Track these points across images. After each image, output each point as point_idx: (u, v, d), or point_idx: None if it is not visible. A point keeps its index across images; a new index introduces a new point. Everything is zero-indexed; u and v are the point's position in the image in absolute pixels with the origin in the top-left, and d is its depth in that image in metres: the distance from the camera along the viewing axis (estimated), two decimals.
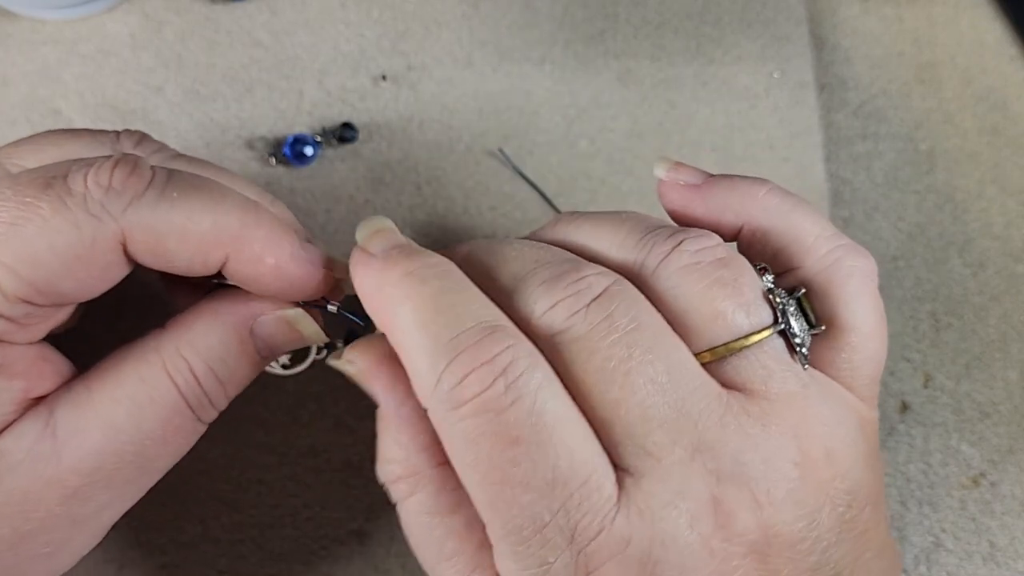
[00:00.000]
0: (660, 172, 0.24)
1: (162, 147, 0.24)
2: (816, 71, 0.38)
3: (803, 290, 0.21)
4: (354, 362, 0.20)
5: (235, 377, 0.23)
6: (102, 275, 0.20)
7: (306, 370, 0.29)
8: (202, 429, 0.23)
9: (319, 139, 0.33)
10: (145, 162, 0.20)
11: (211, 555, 0.29)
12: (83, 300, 0.21)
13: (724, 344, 0.19)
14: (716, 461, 0.18)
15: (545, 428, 0.17)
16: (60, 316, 0.21)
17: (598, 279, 0.19)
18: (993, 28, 0.40)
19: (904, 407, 0.35)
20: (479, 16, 0.36)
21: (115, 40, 0.34)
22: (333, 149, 0.34)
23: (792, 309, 0.20)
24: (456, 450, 0.18)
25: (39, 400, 0.21)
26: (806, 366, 0.20)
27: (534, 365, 0.18)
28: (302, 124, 0.34)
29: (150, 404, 0.21)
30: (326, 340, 0.24)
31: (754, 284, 0.20)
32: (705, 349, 0.19)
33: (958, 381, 0.35)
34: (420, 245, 0.21)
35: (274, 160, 0.33)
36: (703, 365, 0.19)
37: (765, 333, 0.19)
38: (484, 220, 0.34)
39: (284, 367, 0.29)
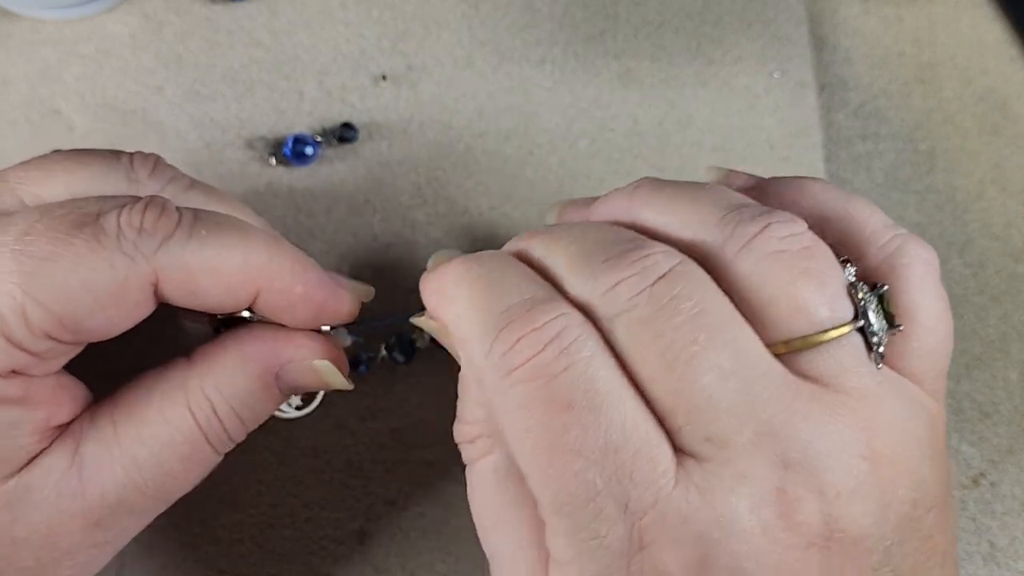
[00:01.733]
0: (712, 176, 0.24)
1: (176, 174, 0.24)
2: (816, 71, 0.38)
3: (885, 287, 0.20)
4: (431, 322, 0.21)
5: (256, 416, 0.23)
6: (129, 314, 0.21)
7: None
8: (218, 460, 0.23)
9: (319, 139, 0.33)
10: (172, 204, 0.21)
11: (211, 555, 0.29)
12: (105, 338, 0.21)
13: (801, 337, 0.18)
14: (783, 448, 0.17)
15: (597, 395, 0.17)
16: (78, 349, 0.21)
17: (665, 258, 0.18)
18: (993, 28, 0.40)
19: None
20: (479, 16, 0.36)
21: (115, 40, 0.34)
22: (333, 149, 0.34)
23: (873, 306, 0.19)
24: (509, 419, 0.18)
25: (62, 428, 0.21)
26: (880, 365, 0.19)
27: (587, 335, 0.18)
28: (302, 124, 0.34)
29: (172, 444, 0.21)
30: (351, 387, 0.24)
31: (838, 277, 0.19)
32: (781, 340, 0.18)
33: (958, 381, 0.35)
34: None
35: (274, 160, 0.33)
36: (776, 356, 0.18)
37: (844, 329, 0.18)
38: (484, 220, 0.34)
39: (297, 407, 0.29)
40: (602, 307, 0.18)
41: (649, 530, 0.17)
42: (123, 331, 0.21)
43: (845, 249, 0.21)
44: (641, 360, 0.18)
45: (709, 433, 0.17)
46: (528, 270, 0.19)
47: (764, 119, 0.37)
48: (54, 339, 0.20)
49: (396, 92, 0.35)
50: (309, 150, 0.33)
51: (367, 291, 0.24)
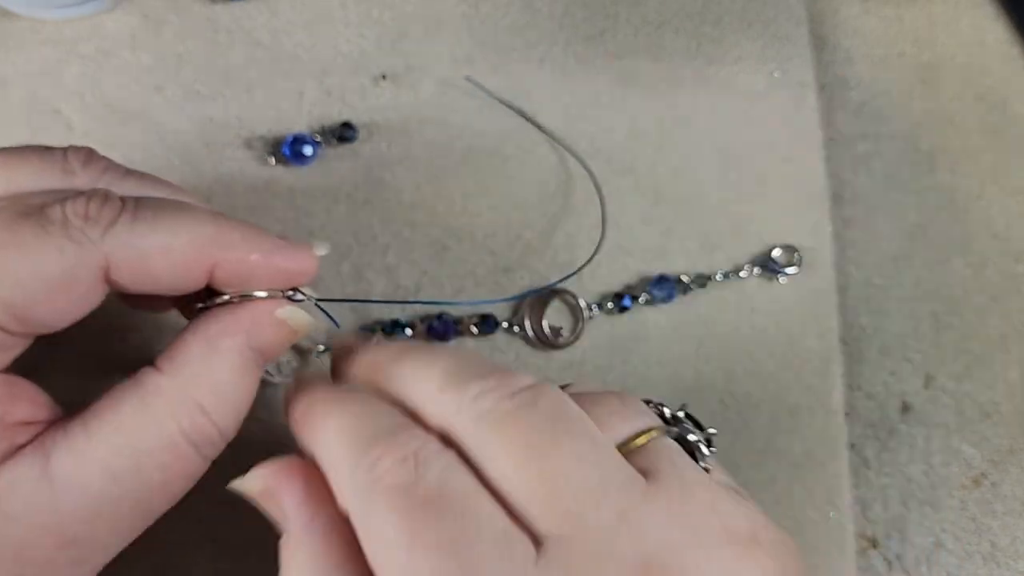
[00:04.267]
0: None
1: (109, 164, 0.24)
2: (816, 71, 0.38)
3: (685, 405, 0.24)
4: (263, 478, 0.21)
5: (243, 399, 0.23)
6: (80, 302, 0.20)
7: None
8: (206, 466, 0.22)
9: (319, 139, 0.33)
10: (113, 192, 0.21)
11: (211, 555, 0.29)
12: (55, 329, 0.21)
13: (630, 436, 0.20)
14: (642, 528, 0.18)
15: (454, 497, 0.18)
16: (27, 343, 0.21)
17: (525, 378, 0.20)
18: (994, 28, 0.40)
19: (905, 407, 0.35)
20: (479, 16, 0.36)
21: (115, 40, 0.34)
22: (333, 149, 0.34)
23: (681, 416, 0.23)
24: (370, 535, 0.18)
25: (21, 429, 0.20)
26: (704, 466, 0.21)
27: (443, 451, 0.19)
28: (302, 124, 0.34)
29: (151, 452, 0.21)
30: (318, 327, 0.24)
31: (637, 400, 0.22)
32: (617, 443, 0.20)
33: (959, 381, 0.35)
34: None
35: (273, 160, 0.33)
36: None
37: (663, 430, 0.21)
38: (484, 220, 0.34)
39: (280, 372, 0.29)
40: (469, 413, 0.19)
41: None
42: (73, 321, 0.21)
43: None
44: (503, 456, 0.19)
45: (572, 509, 0.18)
46: (386, 406, 0.21)
47: (765, 119, 0.37)
48: (3, 330, 0.20)
49: (396, 92, 0.35)
50: (308, 150, 0.33)
51: (322, 245, 0.24)
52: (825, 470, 0.33)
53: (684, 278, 0.34)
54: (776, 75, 0.37)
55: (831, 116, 0.38)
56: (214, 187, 0.33)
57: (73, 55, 0.33)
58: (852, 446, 0.34)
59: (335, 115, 0.34)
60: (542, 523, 0.18)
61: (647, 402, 0.23)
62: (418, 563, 0.17)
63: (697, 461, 0.21)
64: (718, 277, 0.34)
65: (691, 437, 0.22)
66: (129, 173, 0.24)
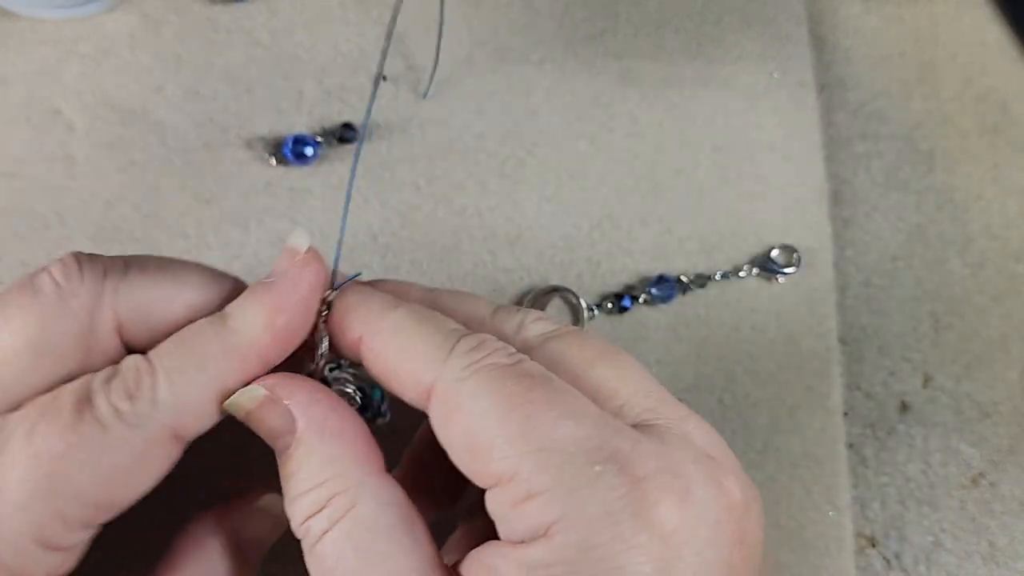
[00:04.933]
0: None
1: (106, 264, 0.22)
2: (816, 71, 0.38)
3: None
4: (267, 386, 0.20)
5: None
6: (153, 473, 0.20)
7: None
8: (179, 453, 0.21)
9: (319, 139, 0.33)
10: (145, 363, 0.20)
11: None
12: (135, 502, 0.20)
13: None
14: (694, 430, 0.21)
15: (552, 377, 0.20)
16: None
17: (535, 313, 0.23)
18: (993, 28, 0.40)
19: (904, 407, 0.35)
20: (479, 16, 0.36)
21: (114, 40, 0.34)
22: (333, 149, 0.34)
23: None
24: (475, 399, 0.19)
25: None
26: None
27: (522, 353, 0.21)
28: (302, 124, 0.34)
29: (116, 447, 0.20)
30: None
31: None
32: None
33: (958, 381, 0.35)
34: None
35: (274, 160, 0.33)
36: None
37: None
38: (484, 220, 0.34)
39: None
40: (534, 332, 0.22)
41: (638, 469, 0.18)
42: (150, 489, 0.21)
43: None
44: (578, 360, 0.21)
45: (649, 407, 0.21)
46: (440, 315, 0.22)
47: (764, 118, 0.37)
48: (91, 525, 0.20)
49: (396, 92, 0.35)
50: (309, 150, 0.33)
51: (299, 235, 0.23)
52: (824, 469, 0.33)
53: (684, 278, 0.34)
54: (776, 75, 0.37)
55: (831, 116, 0.38)
56: (214, 187, 0.33)
57: (73, 55, 0.33)
58: (851, 445, 0.34)
59: (335, 115, 0.34)
60: (625, 414, 0.20)
61: None
62: (538, 422, 0.19)
63: None
64: (717, 277, 0.34)
65: None
66: (129, 264, 0.22)
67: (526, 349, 0.21)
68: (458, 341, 0.20)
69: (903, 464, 0.34)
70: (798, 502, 0.32)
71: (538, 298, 0.33)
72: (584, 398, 0.20)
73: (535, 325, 0.22)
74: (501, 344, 0.20)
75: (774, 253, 0.35)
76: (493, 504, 0.19)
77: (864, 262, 0.36)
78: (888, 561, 0.33)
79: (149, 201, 0.32)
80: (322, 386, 0.21)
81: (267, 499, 0.24)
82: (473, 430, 0.19)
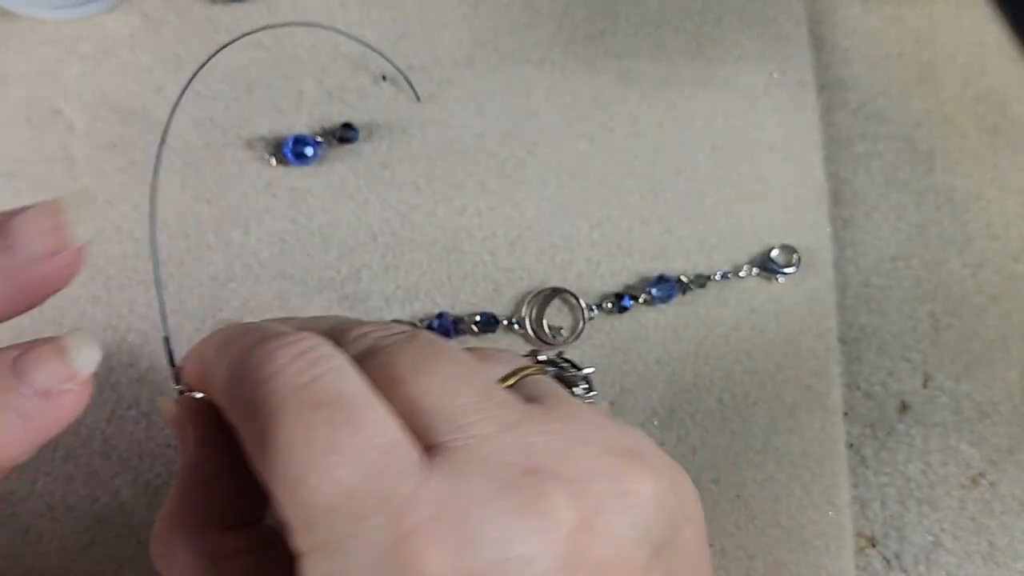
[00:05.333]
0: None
1: None
2: (816, 71, 0.38)
3: (562, 352, 0.25)
4: (171, 410, 0.22)
5: None
6: None
7: None
8: None
9: (319, 139, 0.33)
10: None
11: None
12: None
13: (514, 370, 0.22)
14: (528, 438, 0.19)
15: (346, 398, 0.18)
16: None
17: (400, 327, 0.22)
18: (993, 29, 0.40)
19: (904, 407, 0.35)
20: (479, 16, 0.36)
21: (115, 40, 0.34)
22: (333, 149, 0.34)
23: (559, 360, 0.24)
24: (260, 427, 0.18)
25: None
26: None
27: (335, 353, 0.19)
28: (302, 124, 0.34)
29: None
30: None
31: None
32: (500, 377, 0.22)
33: (957, 381, 0.35)
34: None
35: (274, 160, 0.33)
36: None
37: (542, 368, 0.22)
38: (484, 220, 0.34)
39: None
40: (360, 342, 0.21)
41: (407, 519, 0.17)
42: None
43: None
44: (395, 373, 0.19)
45: (458, 422, 0.19)
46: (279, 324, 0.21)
47: (764, 118, 0.37)
48: None
49: (396, 92, 0.35)
50: (309, 150, 0.33)
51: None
52: (823, 469, 0.33)
53: (683, 278, 0.34)
54: (776, 75, 0.37)
55: (830, 116, 0.38)
56: (215, 187, 0.33)
57: (73, 55, 0.33)
58: (850, 445, 0.34)
59: (335, 115, 0.34)
60: (434, 432, 0.18)
61: (530, 353, 0.24)
62: (309, 465, 0.17)
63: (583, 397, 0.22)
64: (717, 277, 0.34)
65: (568, 374, 0.23)
66: None
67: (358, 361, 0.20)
68: (255, 350, 0.19)
69: (903, 464, 0.34)
70: (797, 502, 0.32)
71: (537, 300, 0.33)
72: (369, 429, 0.18)
73: (364, 339, 0.21)
74: (295, 350, 0.19)
75: (774, 253, 0.35)
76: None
77: (864, 262, 0.36)
78: (888, 561, 0.33)
79: (149, 201, 0.32)
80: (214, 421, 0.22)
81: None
82: (264, 465, 0.18)
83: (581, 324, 0.33)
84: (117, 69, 0.33)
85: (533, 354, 0.24)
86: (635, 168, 0.35)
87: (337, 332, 0.21)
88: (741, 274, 0.34)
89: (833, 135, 0.38)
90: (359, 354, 0.20)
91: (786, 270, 0.34)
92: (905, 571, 0.33)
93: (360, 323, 0.21)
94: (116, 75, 0.33)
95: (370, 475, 0.17)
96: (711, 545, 0.31)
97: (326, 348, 0.19)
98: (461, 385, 0.19)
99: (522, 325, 0.33)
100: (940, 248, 0.37)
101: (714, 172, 0.36)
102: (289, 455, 0.17)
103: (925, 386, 0.35)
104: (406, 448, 0.18)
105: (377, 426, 0.18)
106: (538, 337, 0.33)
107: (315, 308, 0.32)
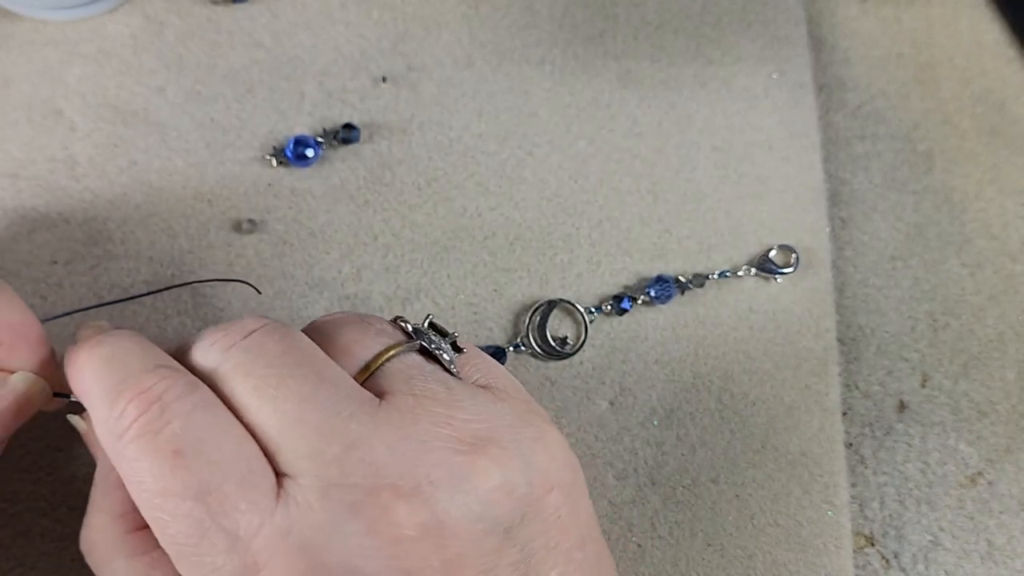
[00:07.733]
0: None
1: None
2: (815, 72, 0.38)
3: (429, 316, 0.25)
4: (81, 425, 0.23)
5: None
6: None
7: None
8: None
9: (320, 140, 0.33)
10: None
11: None
12: None
13: (368, 362, 0.22)
14: (373, 453, 0.19)
15: (199, 441, 0.19)
16: None
17: (254, 322, 0.21)
18: (992, 29, 0.40)
19: (902, 406, 0.35)
20: (479, 17, 0.36)
21: (116, 41, 0.34)
22: (334, 150, 0.34)
23: (433, 337, 0.23)
24: (127, 478, 0.19)
25: None
26: (454, 371, 0.23)
27: (191, 390, 0.20)
28: (303, 125, 0.34)
29: None
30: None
31: (380, 321, 0.23)
32: (357, 371, 0.22)
33: (956, 381, 0.35)
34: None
35: (275, 161, 0.33)
36: (362, 384, 0.21)
37: (400, 348, 0.22)
38: (484, 220, 0.34)
39: None
40: (206, 364, 0.21)
41: (261, 552, 0.18)
42: None
43: None
44: (242, 399, 0.20)
45: (300, 449, 0.19)
46: (146, 343, 0.21)
47: (763, 119, 0.37)
48: None
49: (396, 93, 0.35)
50: (310, 152, 0.33)
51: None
52: (822, 468, 0.33)
53: (682, 278, 0.34)
54: (775, 76, 0.38)
55: (829, 117, 0.38)
56: (216, 188, 0.33)
57: (75, 56, 0.33)
58: (849, 445, 0.34)
59: (336, 116, 0.34)
60: (280, 459, 0.19)
61: (394, 320, 0.24)
62: (169, 511, 0.18)
63: (448, 369, 0.22)
64: (716, 277, 0.34)
65: (432, 347, 0.23)
66: None
67: (206, 378, 0.21)
68: (113, 401, 0.20)
69: (901, 463, 0.34)
70: (796, 501, 0.32)
71: (537, 314, 0.33)
72: (220, 467, 0.19)
73: (208, 354, 0.21)
74: (150, 396, 0.20)
75: (772, 253, 0.35)
76: None
77: (862, 262, 0.37)
78: (887, 560, 0.33)
79: (150, 201, 0.32)
80: None
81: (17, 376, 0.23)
82: (140, 508, 0.19)
83: (586, 332, 0.33)
84: (119, 70, 0.33)
85: (398, 321, 0.24)
86: (635, 168, 0.35)
87: (183, 351, 0.22)
88: (740, 274, 0.35)
89: (832, 135, 0.38)
90: (212, 368, 0.21)
91: (785, 270, 0.35)
92: (904, 570, 0.33)
93: (208, 333, 0.22)
94: (118, 76, 0.33)
95: (222, 513, 0.18)
96: (709, 544, 0.31)
97: (177, 389, 0.20)
98: (305, 409, 0.19)
99: (527, 345, 0.33)
100: (938, 248, 0.37)
101: (713, 172, 0.36)
102: (150, 502, 0.19)
103: (923, 386, 0.35)
104: (256, 480, 0.19)
105: (227, 465, 0.19)
106: (545, 352, 0.32)
107: (315, 308, 0.32)
